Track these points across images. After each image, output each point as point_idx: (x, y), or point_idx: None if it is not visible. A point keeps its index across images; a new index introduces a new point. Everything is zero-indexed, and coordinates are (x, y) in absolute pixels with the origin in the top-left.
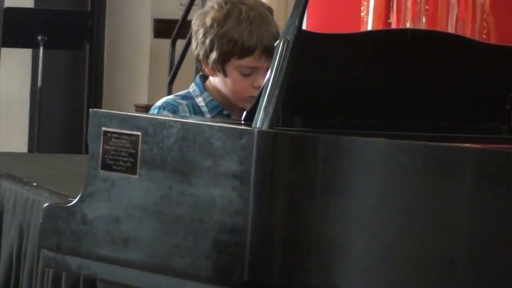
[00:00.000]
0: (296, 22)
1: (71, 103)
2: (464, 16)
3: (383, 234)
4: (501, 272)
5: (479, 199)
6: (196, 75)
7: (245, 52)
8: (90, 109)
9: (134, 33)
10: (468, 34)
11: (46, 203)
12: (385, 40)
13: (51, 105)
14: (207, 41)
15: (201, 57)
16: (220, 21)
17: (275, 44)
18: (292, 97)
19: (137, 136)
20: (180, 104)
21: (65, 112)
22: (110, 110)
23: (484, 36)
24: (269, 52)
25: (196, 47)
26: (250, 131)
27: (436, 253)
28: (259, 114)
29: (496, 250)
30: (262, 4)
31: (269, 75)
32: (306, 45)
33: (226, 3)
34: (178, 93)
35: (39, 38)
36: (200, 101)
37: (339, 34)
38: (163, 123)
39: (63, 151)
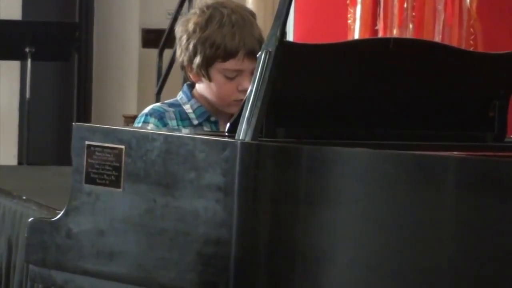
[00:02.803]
0: (278, 33)
1: (60, 115)
2: (451, 22)
3: (367, 244)
4: (486, 282)
5: (463, 208)
6: (183, 84)
7: (228, 54)
8: (73, 123)
9: (122, 43)
10: (455, 40)
11: (34, 216)
12: (368, 49)
13: (40, 116)
14: (191, 46)
15: (185, 63)
16: (202, 26)
17: (257, 55)
18: (275, 108)
19: (121, 149)
20: (167, 111)
21: (54, 123)
22: (100, 120)
23: (471, 42)
24: (252, 54)
25: (180, 54)
26: (233, 143)
27: (420, 262)
28: (242, 126)
29: (480, 259)
30: (245, 8)
31: (252, 87)
32: (288, 55)
33: (207, 8)
34: (165, 101)
35: (27, 50)
36: (187, 108)
37: (321, 44)
38: (146, 136)
39: (53, 163)
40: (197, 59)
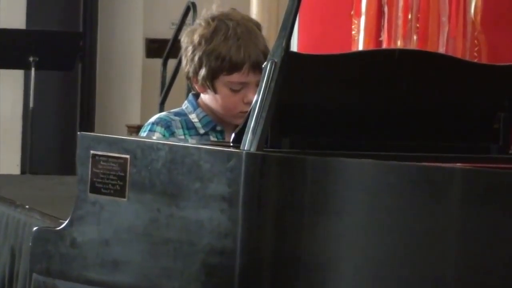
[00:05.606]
0: (283, 44)
1: (63, 124)
2: (455, 34)
3: (371, 254)
4: None
5: (468, 219)
6: (188, 95)
7: (233, 67)
8: (78, 133)
9: (126, 53)
10: (459, 51)
11: (38, 225)
12: (373, 60)
13: (44, 126)
14: (196, 58)
15: (190, 74)
16: (208, 38)
17: (263, 66)
18: (281, 119)
19: (126, 159)
20: (173, 120)
21: (57, 133)
22: (103, 130)
23: (475, 54)
24: (257, 67)
25: (186, 65)
26: (238, 153)
27: (424, 273)
28: (247, 136)
29: (485, 269)
30: (250, 19)
31: (257, 97)
32: (293, 66)
33: (213, 20)
34: (171, 111)
35: (31, 59)
36: (193, 117)
37: (326, 55)
38: (151, 146)
39: (56, 172)
40: (202, 71)
